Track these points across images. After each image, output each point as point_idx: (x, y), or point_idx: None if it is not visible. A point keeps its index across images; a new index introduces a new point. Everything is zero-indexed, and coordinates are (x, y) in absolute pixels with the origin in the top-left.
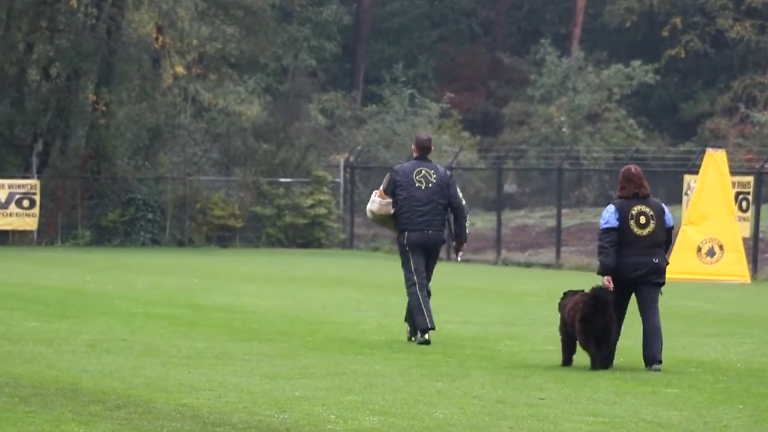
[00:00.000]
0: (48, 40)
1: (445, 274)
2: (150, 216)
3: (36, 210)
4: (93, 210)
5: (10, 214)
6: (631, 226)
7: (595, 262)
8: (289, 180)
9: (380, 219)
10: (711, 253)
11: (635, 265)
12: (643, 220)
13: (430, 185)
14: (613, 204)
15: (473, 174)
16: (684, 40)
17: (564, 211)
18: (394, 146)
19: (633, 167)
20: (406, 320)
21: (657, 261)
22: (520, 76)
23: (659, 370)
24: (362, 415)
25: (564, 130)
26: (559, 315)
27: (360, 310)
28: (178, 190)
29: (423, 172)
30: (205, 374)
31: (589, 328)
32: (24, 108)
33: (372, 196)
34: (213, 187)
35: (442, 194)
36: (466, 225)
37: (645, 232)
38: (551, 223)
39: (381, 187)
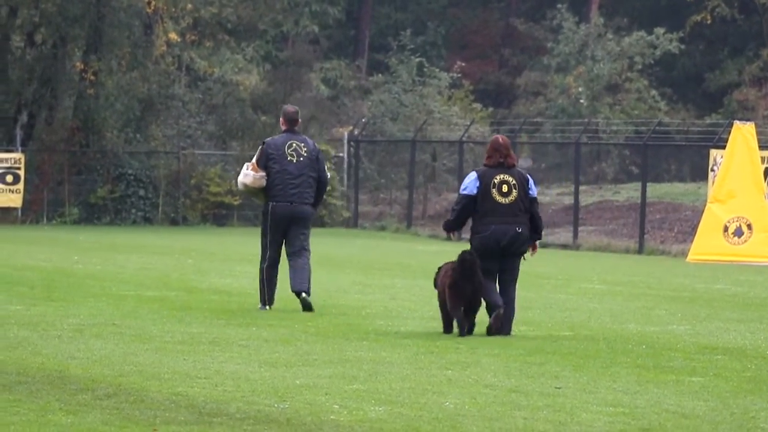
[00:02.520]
0: (33, 3)
1: (454, 255)
2: (141, 192)
3: (20, 186)
4: (81, 186)
5: None
6: (494, 194)
7: (615, 242)
8: None
9: (252, 192)
10: (738, 232)
11: (499, 233)
12: (505, 188)
13: (302, 158)
14: (476, 171)
15: (485, 148)
16: (710, 6)
17: (582, 188)
18: (401, 118)
19: (501, 137)
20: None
21: (520, 230)
22: (536, 44)
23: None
24: (367, 405)
25: (582, 101)
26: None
27: (365, 294)
28: (172, 165)
29: (294, 145)
30: (201, 361)
31: (457, 294)
32: (7, 77)
33: (244, 169)
34: (209, 162)
35: (312, 167)
36: (324, 194)
37: (507, 200)
38: (568, 200)
39: (253, 160)
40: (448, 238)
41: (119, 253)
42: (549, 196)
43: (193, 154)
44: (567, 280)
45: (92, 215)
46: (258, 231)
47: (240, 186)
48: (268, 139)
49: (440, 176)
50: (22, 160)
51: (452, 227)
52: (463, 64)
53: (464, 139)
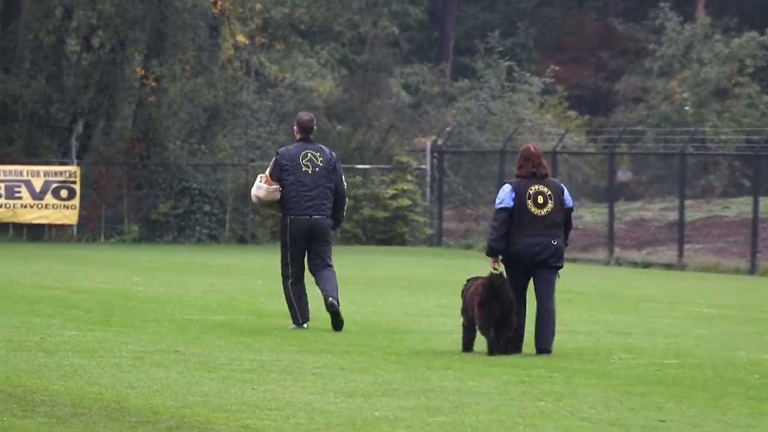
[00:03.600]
0: (90, 4)
1: None
2: (207, 208)
3: (76, 201)
4: (141, 201)
5: (46, 206)
6: (529, 206)
7: (724, 262)
8: (367, 167)
9: (266, 205)
10: None
11: (533, 246)
12: (540, 199)
13: (317, 169)
14: (510, 183)
15: (581, 159)
16: None
17: (688, 202)
18: (488, 127)
19: (532, 146)
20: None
21: (555, 243)
22: (636, 46)
23: (548, 357)
24: None
25: (687, 108)
26: (462, 301)
27: (450, 318)
28: (240, 178)
29: (309, 155)
30: (271, 391)
31: (487, 313)
32: (62, 84)
33: (257, 182)
34: None
35: (329, 178)
36: (344, 209)
37: (543, 212)
38: (673, 216)
39: (266, 172)
40: (494, 269)
41: (182, 274)
42: (651, 211)
43: (262, 166)
44: (671, 303)
45: (153, 233)
46: (333, 250)
47: (253, 199)
48: (282, 149)
49: None
50: (78, 174)
51: (497, 247)
52: (557, 68)
53: (558, 149)
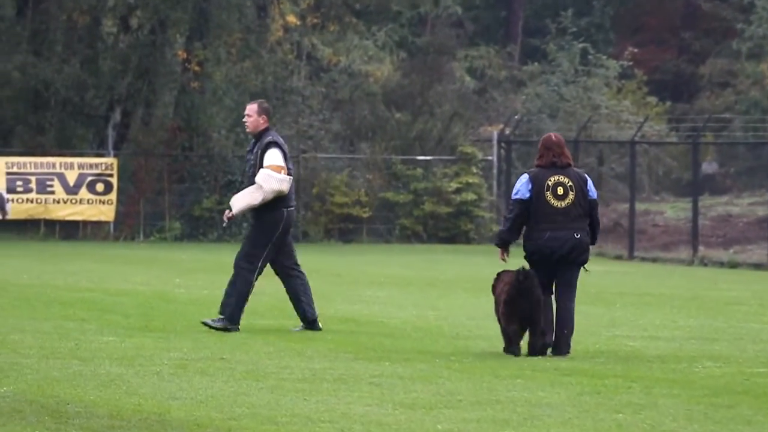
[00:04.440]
0: None
1: (625, 276)
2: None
3: (113, 196)
4: (183, 196)
5: (81, 201)
6: (548, 198)
7: None
8: (428, 158)
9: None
10: None
11: (554, 241)
12: (560, 191)
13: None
14: (527, 173)
15: (662, 150)
16: None
17: None
18: (561, 115)
19: (554, 135)
20: (221, 309)
21: (579, 236)
22: (723, 26)
23: (564, 358)
24: None
25: None
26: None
27: None
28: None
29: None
30: (324, 402)
31: (512, 311)
32: (98, 68)
33: (276, 174)
34: (333, 168)
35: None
36: None
37: (563, 204)
38: (763, 211)
39: (281, 163)
40: (503, 260)
41: (228, 274)
42: (739, 206)
43: (315, 158)
44: (761, 306)
45: (196, 230)
46: (392, 248)
47: (271, 195)
48: (278, 138)
49: (608, 183)
50: (115, 166)
51: (507, 239)
52: (635, 51)
53: (636, 139)
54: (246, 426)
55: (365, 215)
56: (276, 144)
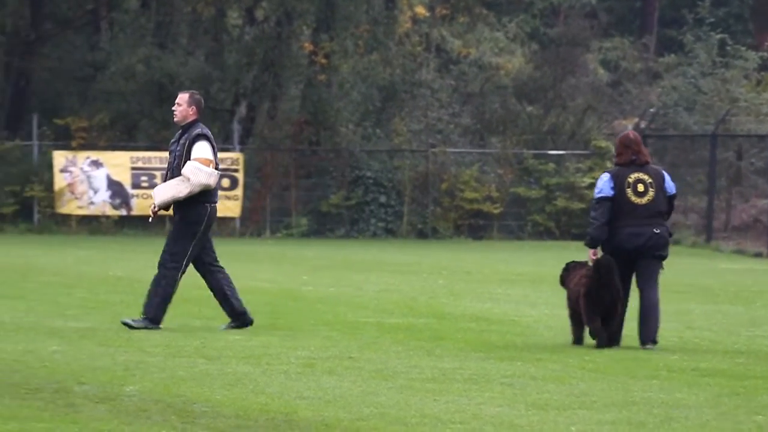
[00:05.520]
0: None
1: (765, 274)
2: (383, 199)
3: (239, 191)
4: (310, 192)
5: None
6: (629, 195)
7: None
8: (561, 152)
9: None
10: None
11: (634, 236)
12: (641, 188)
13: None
14: (608, 172)
15: None
16: None
17: None
18: (698, 108)
19: (631, 132)
20: (144, 309)
21: (658, 231)
22: None
23: (652, 349)
24: None
25: None
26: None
27: None
28: (419, 166)
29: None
30: (455, 402)
31: (593, 304)
32: (223, 61)
33: (205, 167)
34: (463, 162)
35: None
36: None
37: (643, 200)
38: None
39: (210, 156)
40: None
41: (356, 272)
42: None
43: (444, 152)
44: None
45: (324, 226)
46: (523, 245)
47: (198, 188)
48: (206, 130)
49: (747, 178)
50: (241, 161)
51: (598, 238)
52: None
53: None
54: (374, 426)
55: (496, 211)
56: (205, 137)
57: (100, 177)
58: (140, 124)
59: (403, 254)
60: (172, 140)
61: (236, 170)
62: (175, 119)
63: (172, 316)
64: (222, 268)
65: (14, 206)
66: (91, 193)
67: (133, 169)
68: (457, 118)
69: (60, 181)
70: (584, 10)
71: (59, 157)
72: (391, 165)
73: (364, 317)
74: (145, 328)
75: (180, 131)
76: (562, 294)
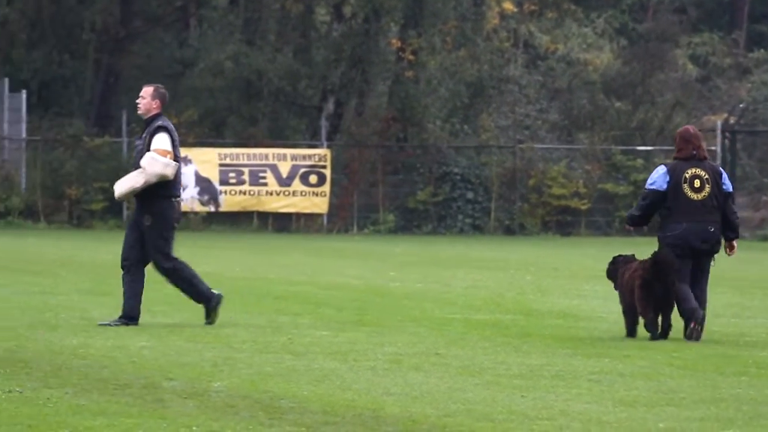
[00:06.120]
0: None
1: None
2: (470, 195)
3: (326, 188)
4: (398, 188)
5: (294, 193)
6: (685, 190)
7: None
8: (649, 148)
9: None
10: None
11: (691, 233)
12: (697, 183)
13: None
14: (665, 165)
15: None
16: None
17: None
18: None
19: (691, 127)
20: (196, 300)
21: (713, 229)
22: None
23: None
24: None
25: None
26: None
27: (743, 318)
28: (506, 162)
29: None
30: (542, 399)
31: (648, 295)
32: (311, 58)
33: (161, 157)
34: (551, 158)
35: None
36: None
37: (699, 196)
38: None
39: (168, 147)
40: (627, 232)
41: (443, 268)
42: None
43: (531, 148)
44: None
45: (411, 223)
46: (612, 241)
47: (154, 178)
48: (167, 123)
49: None
50: (328, 157)
51: (637, 223)
52: None
53: None
54: (461, 423)
55: (584, 207)
56: (165, 129)
57: (188, 173)
58: (228, 121)
59: (490, 250)
60: (137, 137)
61: (324, 167)
62: (138, 112)
63: (258, 312)
64: (143, 272)
65: (104, 202)
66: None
67: (221, 165)
68: (545, 114)
69: None
70: (673, 6)
71: None
72: (478, 161)
73: (451, 313)
74: (214, 316)
75: (144, 125)
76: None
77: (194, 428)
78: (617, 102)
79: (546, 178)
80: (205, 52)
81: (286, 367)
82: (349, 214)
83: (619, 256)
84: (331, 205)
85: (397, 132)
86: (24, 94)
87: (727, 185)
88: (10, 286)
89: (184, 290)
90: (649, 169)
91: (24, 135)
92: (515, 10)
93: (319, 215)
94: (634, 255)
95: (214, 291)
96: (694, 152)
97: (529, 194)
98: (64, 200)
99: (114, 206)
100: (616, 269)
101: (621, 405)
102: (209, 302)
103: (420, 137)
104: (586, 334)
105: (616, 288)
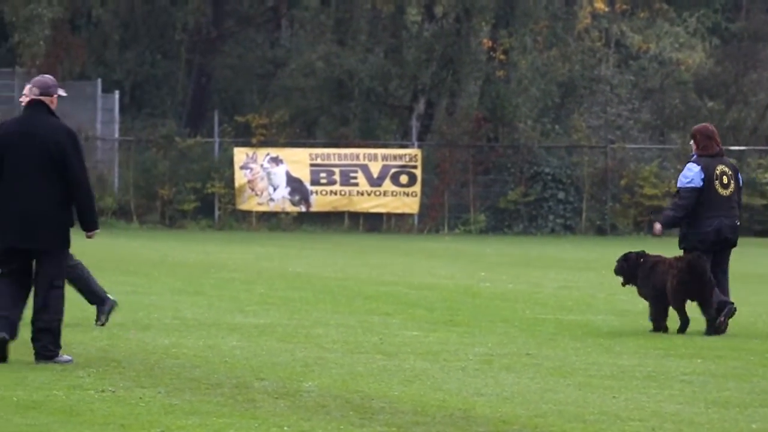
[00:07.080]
0: None
1: None
2: (561, 195)
3: (417, 188)
4: (488, 188)
5: (385, 193)
6: (716, 187)
7: None
8: (742, 148)
9: None
10: None
11: (724, 228)
12: (725, 179)
13: None
14: (697, 163)
15: None
16: None
17: None
18: None
19: (709, 124)
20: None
21: (738, 223)
22: None
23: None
24: None
25: None
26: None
27: None
28: (598, 162)
29: None
30: (634, 399)
31: (682, 289)
32: (402, 58)
33: None
34: (642, 158)
35: None
36: None
37: (727, 192)
38: None
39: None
40: (657, 235)
41: (534, 268)
42: None
43: (623, 148)
44: None
45: (502, 223)
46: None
47: None
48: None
49: None
50: (419, 157)
51: (677, 223)
52: None
53: None
54: (552, 423)
55: None
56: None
57: (279, 174)
58: (319, 121)
59: (581, 251)
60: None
61: (414, 167)
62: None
63: (349, 312)
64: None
65: (195, 203)
66: (270, 189)
67: (312, 165)
68: (637, 114)
69: (240, 177)
70: (767, 5)
71: (240, 154)
72: (569, 161)
73: (542, 314)
74: (109, 312)
75: None
76: (740, 291)
77: (285, 428)
78: (710, 102)
79: (638, 178)
80: (296, 53)
81: (377, 367)
82: (440, 214)
83: (631, 252)
84: (421, 206)
85: (488, 132)
86: (117, 94)
87: (740, 180)
88: (103, 285)
89: (80, 291)
90: (741, 168)
91: (117, 135)
92: (607, 9)
93: (410, 215)
94: (644, 251)
95: (111, 298)
96: (718, 149)
97: (620, 194)
98: (157, 200)
99: (205, 206)
100: (629, 265)
101: (713, 406)
102: (104, 307)
103: (511, 137)
104: (678, 335)
105: (624, 284)
